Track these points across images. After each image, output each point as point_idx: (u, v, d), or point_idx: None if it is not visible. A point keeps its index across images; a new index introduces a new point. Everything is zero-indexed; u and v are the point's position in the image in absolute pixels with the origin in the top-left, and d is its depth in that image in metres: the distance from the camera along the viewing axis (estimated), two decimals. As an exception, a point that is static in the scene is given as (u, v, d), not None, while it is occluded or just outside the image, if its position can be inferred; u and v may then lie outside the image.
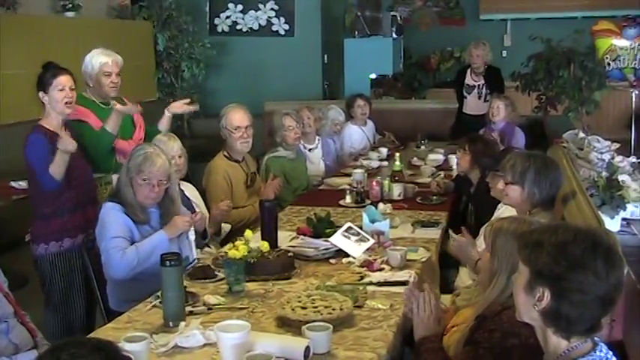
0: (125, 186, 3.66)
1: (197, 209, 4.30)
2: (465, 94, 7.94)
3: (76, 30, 7.76)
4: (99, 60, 4.63)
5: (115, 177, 4.26)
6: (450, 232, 3.82)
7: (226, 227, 4.70)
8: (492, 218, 4.02)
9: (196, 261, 3.91)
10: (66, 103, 4.13)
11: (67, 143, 4.01)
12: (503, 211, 3.96)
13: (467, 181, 4.98)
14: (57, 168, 4.05)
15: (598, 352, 1.91)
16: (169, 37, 9.47)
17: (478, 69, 7.83)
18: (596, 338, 1.94)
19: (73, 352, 1.52)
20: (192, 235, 4.01)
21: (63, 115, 4.18)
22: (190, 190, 4.55)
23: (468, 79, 7.93)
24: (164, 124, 4.96)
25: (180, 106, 5.08)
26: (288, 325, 2.87)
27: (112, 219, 3.60)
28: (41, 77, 4.14)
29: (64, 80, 4.13)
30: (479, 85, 7.84)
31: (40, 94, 4.13)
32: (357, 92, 8.00)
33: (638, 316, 3.10)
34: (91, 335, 2.95)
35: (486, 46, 7.87)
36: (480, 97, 7.77)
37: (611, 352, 1.95)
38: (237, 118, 5.02)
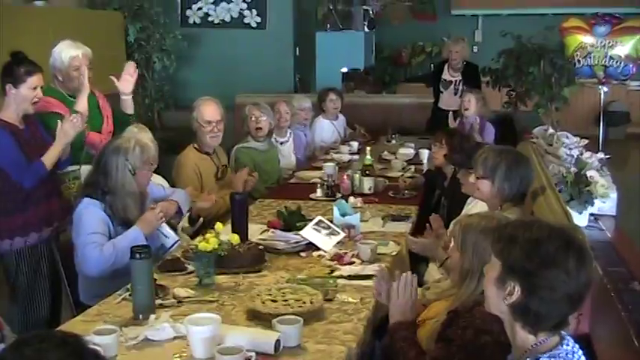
0: (129, 184, 3.62)
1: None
2: (442, 89, 7.96)
3: (46, 20, 7.63)
4: (69, 53, 4.52)
5: (84, 169, 4.21)
6: (408, 236, 3.85)
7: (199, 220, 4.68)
8: (462, 213, 4.06)
9: (179, 241, 3.88)
10: (34, 102, 4.09)
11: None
12: (473, 206, 3.99)
13: (440, 175, 5.00)
14: (53, 159, 4.04)
15: (565, 346, 1.93)
16: (140, 29, 9.36)
17: (456, 65, 7.86)
18: (562, 332, 1.96)
19: (37, 348, 1.47)
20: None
21: (25, 112, 4.12)
22: (160, 182, 4.51)
23: (445, 75, 7.96)
24: (127, 106, 4.82)
25: (127, 81, 4.80)
26: (259, 318, 2.86)
27: (90, 215, 3.56)
28: (14, 70, 4.03)
29: (37, 80, 4.06)
30: (456, 80, 7.87)
31: (8, 86, 4.03)
32: (328, 86, 7.99)
33: (605, 310, 3.14)
34: (60, 328, 2.93)
35: (465, 42, 7.94)
36: (455, 93, 7.79)
37: (577, 346, 1.97)
38: (208, 112, 5.00)
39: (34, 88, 4.05)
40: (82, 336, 1.58)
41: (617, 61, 8.91)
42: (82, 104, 4.41)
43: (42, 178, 4.06)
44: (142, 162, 3.66)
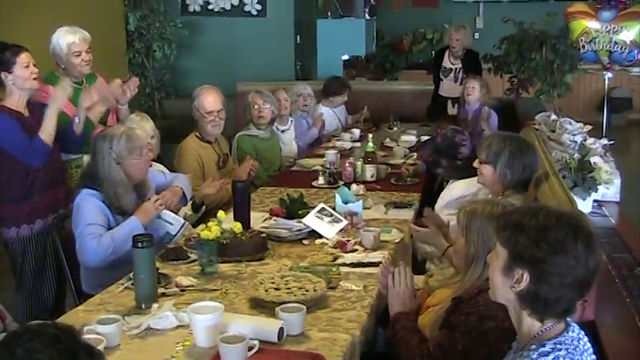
0: (115, 173, 3.57)
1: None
2: (442, 76, 7.91)
3: (45, 8, 7.61)
4: (66, 40, 4.51)
5: (86, 158, 4.21)
6: (411, 225, 3.82)
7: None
8: (443, 193, 4.08)
9: (186, 223, 3.86)
10: (34, 78, 4.09)
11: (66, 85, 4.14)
12: (453, 187, 4.01)
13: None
14: (50, 130, 4.06)
15: (570, 333, 1.92)
16: (141, 17, 9.34)
17: (457, 52, 7.82)
18: (568, 319, 1.95)
19: (29, 347, 1.42)
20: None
21: (32, 90, 4.12)
22: (161, 169, 4.49)
23: (446, 62, 7.91)
24: (122, 116, 4.75)
25: (125, 94, 4.70)
26: (262, 306, 2.86)
27: (88, 205, 3.54)
28: (1, 58, 4.05)
29: (26, 57, 4.08)
30: (456, 68, 7.82)
31: (3, 75, 4.05)
32: (337, 76, 7.98)
33: (610, 296, 3.13)
34: (62, 318, 2.92)
35: (467, 30, 7.87)
36: (455, 81, 7.74)
37: (582, 332, 1.96)
38: (209, 101, 4.98)
39: (27, 66, 4.06)
40: (75, 330, 1.53)
41: (622, 47, 8.83)
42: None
43: (46, 153, 4.07)
44: (128, 151, 3.61)
